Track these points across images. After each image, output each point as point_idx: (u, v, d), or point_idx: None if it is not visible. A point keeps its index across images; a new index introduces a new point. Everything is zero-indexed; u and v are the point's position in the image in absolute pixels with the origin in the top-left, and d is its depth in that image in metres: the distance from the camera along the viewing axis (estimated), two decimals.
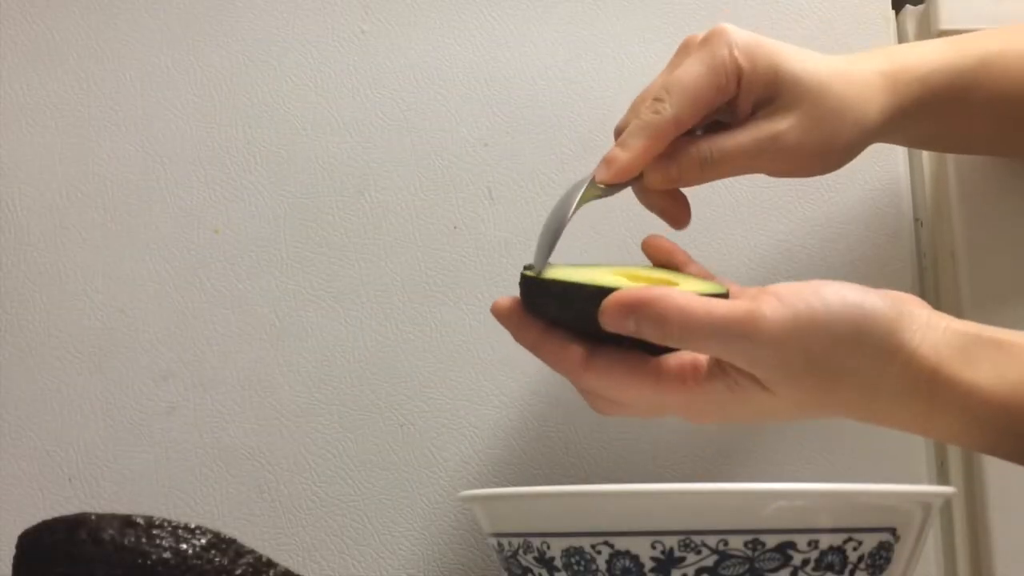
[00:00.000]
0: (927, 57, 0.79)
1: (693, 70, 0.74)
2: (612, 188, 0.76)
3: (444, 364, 0.92)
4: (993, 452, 0.67)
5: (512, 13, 0.97)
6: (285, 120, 0.95)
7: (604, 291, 0.66)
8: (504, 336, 0.92)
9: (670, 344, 0.65)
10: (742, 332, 0.62)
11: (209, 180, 0.93)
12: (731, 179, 0.94)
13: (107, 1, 0.95)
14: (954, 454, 0.92)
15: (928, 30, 0.96)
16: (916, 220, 0.96)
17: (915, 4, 0.99)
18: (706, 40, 0.75)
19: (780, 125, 0.74)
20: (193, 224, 0.93)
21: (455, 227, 0.94)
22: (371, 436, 0.90)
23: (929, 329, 0.64)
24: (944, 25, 0.94)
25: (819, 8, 0.98)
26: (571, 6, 0.98)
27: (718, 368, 0.66)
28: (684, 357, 0.68)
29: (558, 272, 0.70)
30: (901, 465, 0.91)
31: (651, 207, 0.79)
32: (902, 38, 0.98)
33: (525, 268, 0.71)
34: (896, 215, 0.95)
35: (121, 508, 0.87)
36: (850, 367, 0.63)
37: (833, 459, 0.91)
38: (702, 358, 0.67)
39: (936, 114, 0.79)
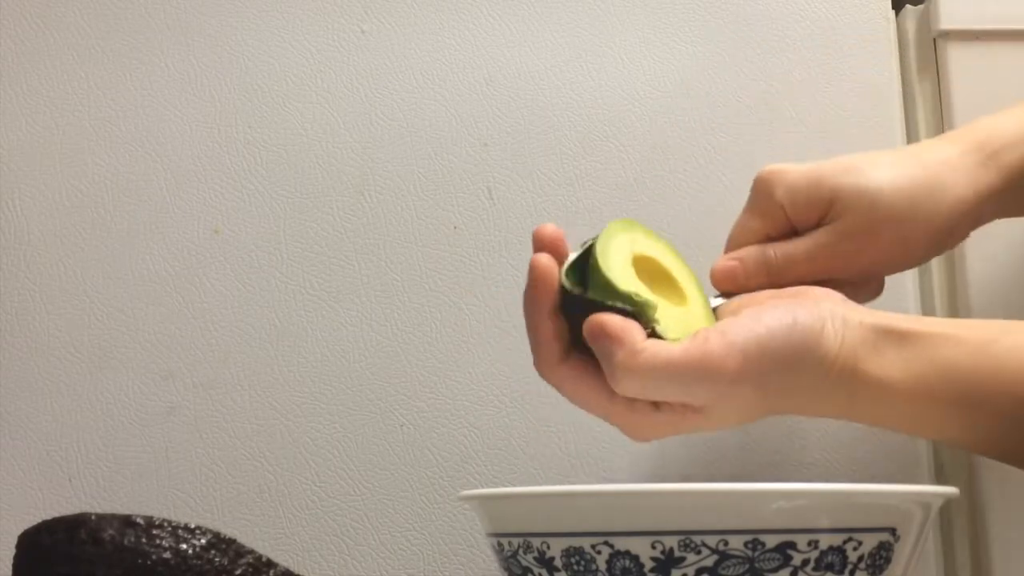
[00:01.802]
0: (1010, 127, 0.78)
1: (740, 222, 0.78)
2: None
3: (444, 364, 0.92)
4: (924, 436, 0.73)
5: (512, 13, 0.97)
6: (285, 120, 0.95)
7: (598, 308, 0.67)
8: (504, 336, 0.92)
9: (622, 393, 0.67)
10: (699, 375, 0.64)
11: (209, 180, 0.93)
12: (731, 179, 0.94)
13: (107, 1, 0.95)
14: (954, 455, 0.92)
15: (928, 30, 0.96)
16: None
17: (915, 4, 0.99)
18: (752, 190, 0.78)
19: (836, 230, 0.75)
20: (193, 224, 0.93)
21: (455, 227, 0.94)
22: (371, 436, 0.90)
23: (846, 327, 0.67)
24: (944, 25, 0.94)
25: (819, 8, 0.98)
26: (571, 6, 0.98)
27: (667, 405, 0.68)
28: None
29: (602, 250, 0.69)
30: (901, 466, 0.91)
31: None
32: (902, 38, 0.98)
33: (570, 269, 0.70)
34: None
35: (121, 508, 0.88)
36: (792, 383, 0.67)
37: (833, 460, 0.91)
38: None
39: None
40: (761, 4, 0.98)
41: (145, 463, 0.89)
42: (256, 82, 0.95)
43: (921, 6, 0.98)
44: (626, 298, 0.66)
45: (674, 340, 0.66)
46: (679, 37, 0.97)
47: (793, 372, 0.66)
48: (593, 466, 0.91)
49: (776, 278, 0.76)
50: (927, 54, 0.96)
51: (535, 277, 0.69)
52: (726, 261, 0.77)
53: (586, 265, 0.69)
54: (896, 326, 0.67)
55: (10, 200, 0.92)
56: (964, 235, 0.78)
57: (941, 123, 0.94)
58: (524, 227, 0.94)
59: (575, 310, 0.68)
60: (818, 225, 0.75)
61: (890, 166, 0.75)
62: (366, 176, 0.94)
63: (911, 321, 0.68)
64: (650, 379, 0.64)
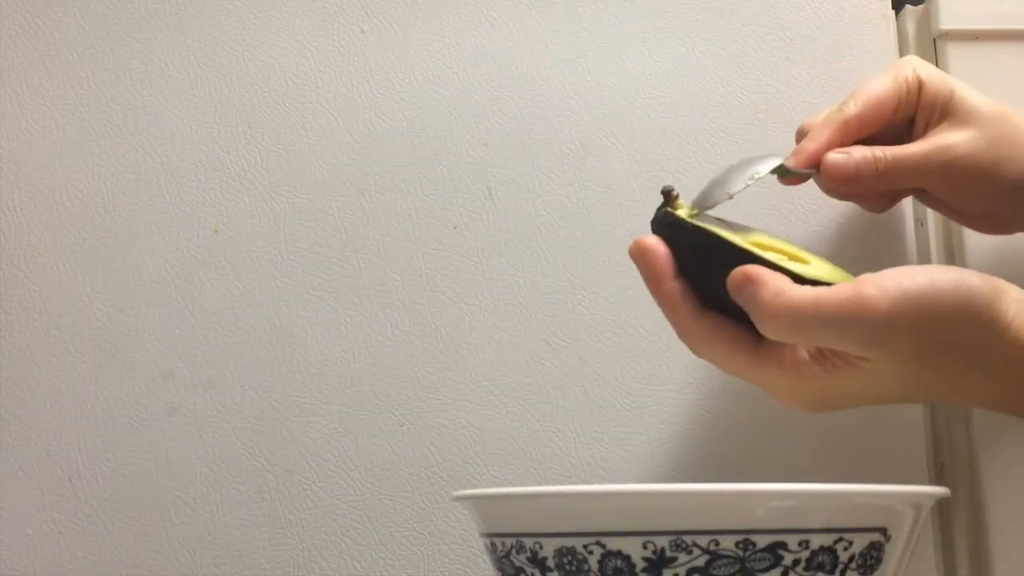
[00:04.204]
0: None
1: (878, 80, 0.81)
2: (796, 175, 0.80)
3: (444, 364, 0.92)
4: None
5: (512, 13, 0.97)
6: (285, 120, 0.95)
7: (741, 256, 0.68)
8: (504, 336, 0.92)
9: (771, 336, 0.67)
10: (852, 318, 0.63)
11: (209, 180, 0.93)
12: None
13: (107, 1, 0.96)
14: (954, 455, 0.92)
15: (928, 30, 0.96)
16: (916, 220, 0.95)
17: (915, 4, 0.99)
18: (891, 65, 0.82)
19: (954, 138, 0.78)
20: (193, 224, 0.93)
21: (455, 227, 0.94)
22: (371, 436, 0.90)
23: (1021, 308, 0.65)
24: (944, 25, 0.94)
25: (819, 8, 0.98)
26: (571, 6, 0.98)
27: (817, 351, 0.67)
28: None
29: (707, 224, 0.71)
30: (900, 466, 0.91)
31: (835, 195, 0.85)
32: (902, 38, 0.98)
33: (667, 206, 0.73)
34: (896, 215, 0.95)
35: (121, 508, 0.88)
36: (953, 339, 0.64)
37: (831, 461, 0.91)
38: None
39: None
40: (761, 4, 0.98)
41: (145, 463, 0.89)
42: (256, 82, 0.95)
43: (921, 6, 0.98)
44: (743, 252, 0.68)
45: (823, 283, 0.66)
46: (679, 37, 0.97)
47: (956, 329, 0.64)
48: (593, 466, 0.91)
49: (884, 177, 0.78)
50: (927, 54, 0.96)
51: (641, 249, 0.71)
52: (838, 153, 0.78)
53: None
54: None
55: (10, 200, 0.92)
56: None
57: None
58: (524, 227, 0.94)
59: (686, 253, 0.70)
60: (929, 131, 0.79)
61: (1002, 106, 0.80)
62: (366, 176, 0.94)
63: None
64: (799, 318, 0.64)
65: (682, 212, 0.72)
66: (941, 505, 0.91)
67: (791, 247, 0.75)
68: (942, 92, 0.80)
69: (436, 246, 0.94)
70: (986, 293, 0.64)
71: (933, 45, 0.95)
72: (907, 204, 0.95)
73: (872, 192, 0.83)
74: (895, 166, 0.78)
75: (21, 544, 0.87)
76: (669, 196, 0.73)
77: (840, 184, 0.79)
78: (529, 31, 0.97)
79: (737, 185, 0.74)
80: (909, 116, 0.82)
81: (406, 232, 0.94)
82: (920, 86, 0.80)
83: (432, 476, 0.90)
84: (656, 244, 0.71)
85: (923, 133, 0.81)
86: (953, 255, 0.92)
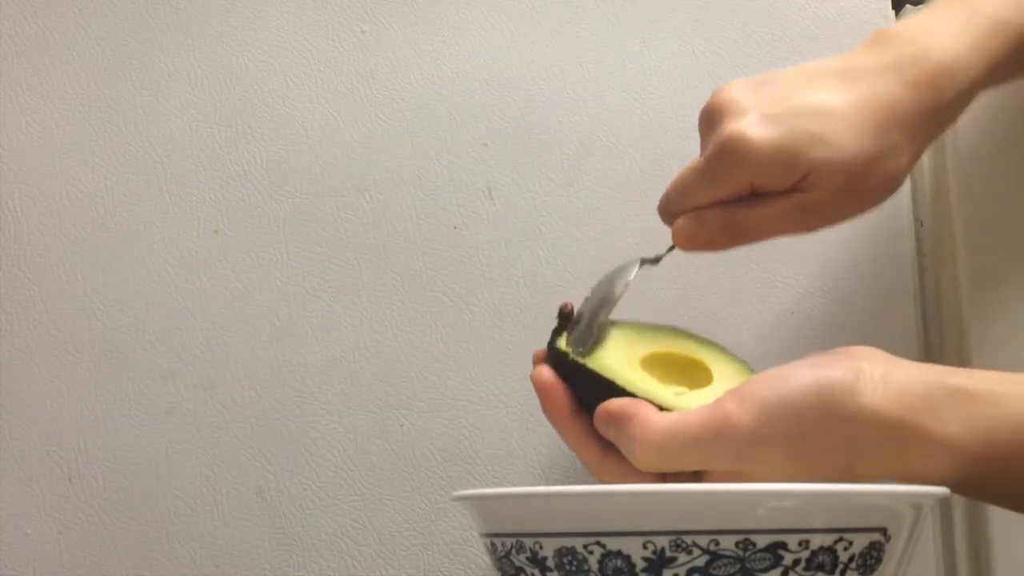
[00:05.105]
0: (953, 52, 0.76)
1: (694, 182, 0.75)
2: (658, 258, 0.78)
3: (444, 364, 0.92)
4: (980, 497, 0.67)
5: (512, 14, 0.97)
6: (285, 120, 0.95)
7: (610, 391, 0.69)
8: (504, 336, 0.92)
9: (644, 469, 0.67)
10: (717, 438, 0.63)
11: (209, 180, 0.93)
12: None
13: (107, 1, 0.96)
14: None
15: None
16: (916, 220, 0.95)
17: (915, 4, 0.99)
18: (714, 159, 0.74)
19: (808, 199, 0.73)
20: (193, 224, 0.93)
21: (455, 227, 0.94)
22: (371, 436, 0.91)
23: (887, 383, 0.64)
24: None
25: (819, 8, 0.98)
26: (572, 6, 0.98)
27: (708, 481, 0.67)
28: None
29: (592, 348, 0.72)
30: None
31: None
32: None
33: (557, 333, 0.74)
34: (896, 215, 0.95)
35: (121, 508, 0.88)
36: (825, 438, 0.64)
37: None
38: None
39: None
40: (761, 4, 0.98)
41: (145, 463, 0.89)
42: (256, 82, 0.95)
43: (921, 6, 0.98)
44: (621, 390, 0.68)
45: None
46: (679, 37, 0.97)
47: (823, 429, 0.63)
48: None
49: (738, 239, 0.74)
50: None
51: (540, 389, 0.73)
52: (689, 223, 0.74)
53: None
54: (951, 382, 0.64)
55: (10, 200, 0.92)
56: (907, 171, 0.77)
57: None
58: (524, 227, 0.94)
59: (574, 386, 0.72)
60: (784, 192, 0.74)
61: (852, 128, 0.73)
62: (366, 176, 0.94)
63: (965, 376, 0.65)
64: (670, 449, 0.64)
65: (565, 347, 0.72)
66: (941, 505, 0.91)
67: (686, 345, 0.75)
68: (789, 181, 0.73)
69: (436, 246, 0.94)
70: (846, 384, 0.64)
71: None
72: (907, 204, 0.95)
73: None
74: (748, 230, 0.75)
75: (21, 544, 0.87)
76: (562, 317, 0.74)
77: (694, 250, 0.76)
78: (529, 31, 0.97)
79: (618, 290, 0.75)
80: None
81: (406, 232, 0.94)
82: (751, 186, 0.74)
83: (432, 476, 0.90)
84: (552, 382, 0.72)
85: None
86: (952, 253, 0.92)
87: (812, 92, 0.73)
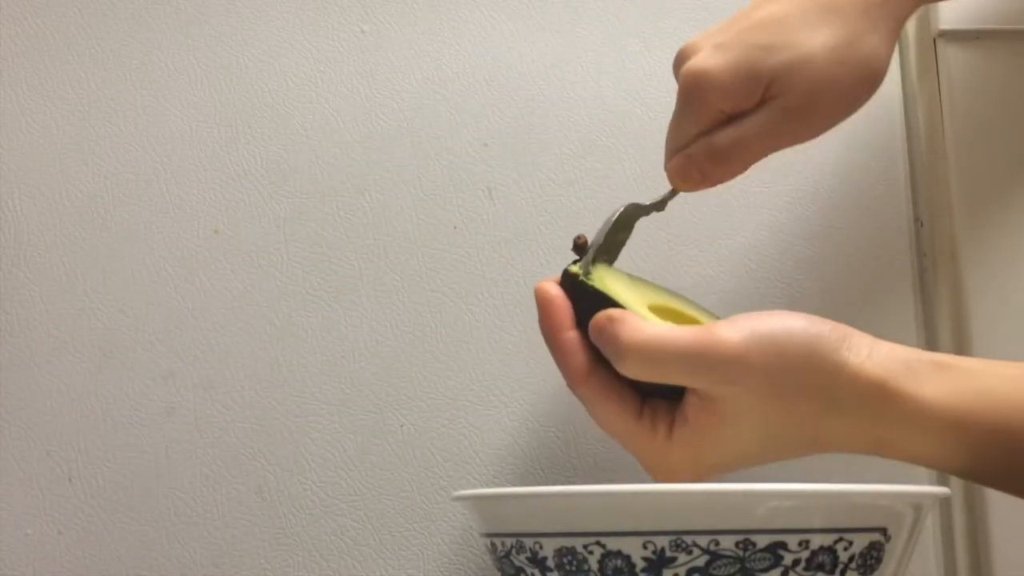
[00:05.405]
0: None
1: (676, 127, 0.77)
2: (658, 202, 0.78)
3: (444, 364, 0.92)
4: (950, 470, 0.67)
5: (512, 14, 0.98)
6: (285, 120, 0.95)
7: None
8: (504, 336, 0.92)
9: (628, 373, 0.66)
10: (703, 352, 0.63)
11: (209, 180, 0.93)
12: (730, 180, 0.94)
13: (107, 1, 0.96)
14: None
15: (928, 30, 0.96)
16: (916, 220, 0.96)
17: None
18: (683, 97, 0.76)
19: (780, 106, 0.74)
20: (193, 224, 0.93)
21: (455, 227, 0.94)
22: (371, 436, 0.91)
23: (873, 350, 0.64)
24: (944, 25, 0.94)
25: None
26: (572, 6, 0.98)
27: (682, 416, 0.67)
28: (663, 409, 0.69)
29: (603, 278, 0.70)
30: (901, 466, 0.90)
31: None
32: (902, 38, 0.98)
33: (574, 263, 0.72)
34: (896, 215, 0.95)
35: (121, 508, 0.88)
36: (804, 382, 0.64)
37: (831, 460, 0.90)
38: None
39: None
40: None
41: (145, 463, 0.89)
42: (256, 82, 0.95)
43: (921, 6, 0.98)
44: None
45: None
46: (679, 37, 0.97)
47: (805, 370, 0.64)
48: (593, 466, 0.91)
49: (731, 166, 0.75)
50: (927, 54, 0.96)
51: (543, 298, 0.70)
52: (678, 159, 0.76)
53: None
54: (933, 357, 0.65)
55: (10, 200, 0.92)
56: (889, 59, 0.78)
57: (941, 123, 0.94)
58: (524, 227, 0.94)
59: (578, 310, 0.70)
60: (758, 106, 0.74)
61: (800, 27, 0.74)
62: (366, 176, 0.94)
63: (949, 356, 0.66)
64: (654, 355, 0.64)
65: (596, 276, 0.71)
66: (941, 505, 0.91)
67: (689, 308, 0.75)
68: (756, 94, 0.75)
69: (436, 246, 0.94)
70: (832, 340, 0.64)
71: (933, 45, 0.95)
72: (907, 204, 0.95)
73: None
74: (734, 152, 0.75)
75: (21, 544, 0.87)
76: (577, 247, 0.73)
77: (691, 188, 0.77)
78: (529, 31, 0.97)
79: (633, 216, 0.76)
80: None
81: (406, 232, 0.94)
82: (724, 112, 0.76)
83: (432, 476, 0.90)
84: (557, 294, 0.71)
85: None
86: (952, 253, 0.92)
87: (755, 11, 0.75)
